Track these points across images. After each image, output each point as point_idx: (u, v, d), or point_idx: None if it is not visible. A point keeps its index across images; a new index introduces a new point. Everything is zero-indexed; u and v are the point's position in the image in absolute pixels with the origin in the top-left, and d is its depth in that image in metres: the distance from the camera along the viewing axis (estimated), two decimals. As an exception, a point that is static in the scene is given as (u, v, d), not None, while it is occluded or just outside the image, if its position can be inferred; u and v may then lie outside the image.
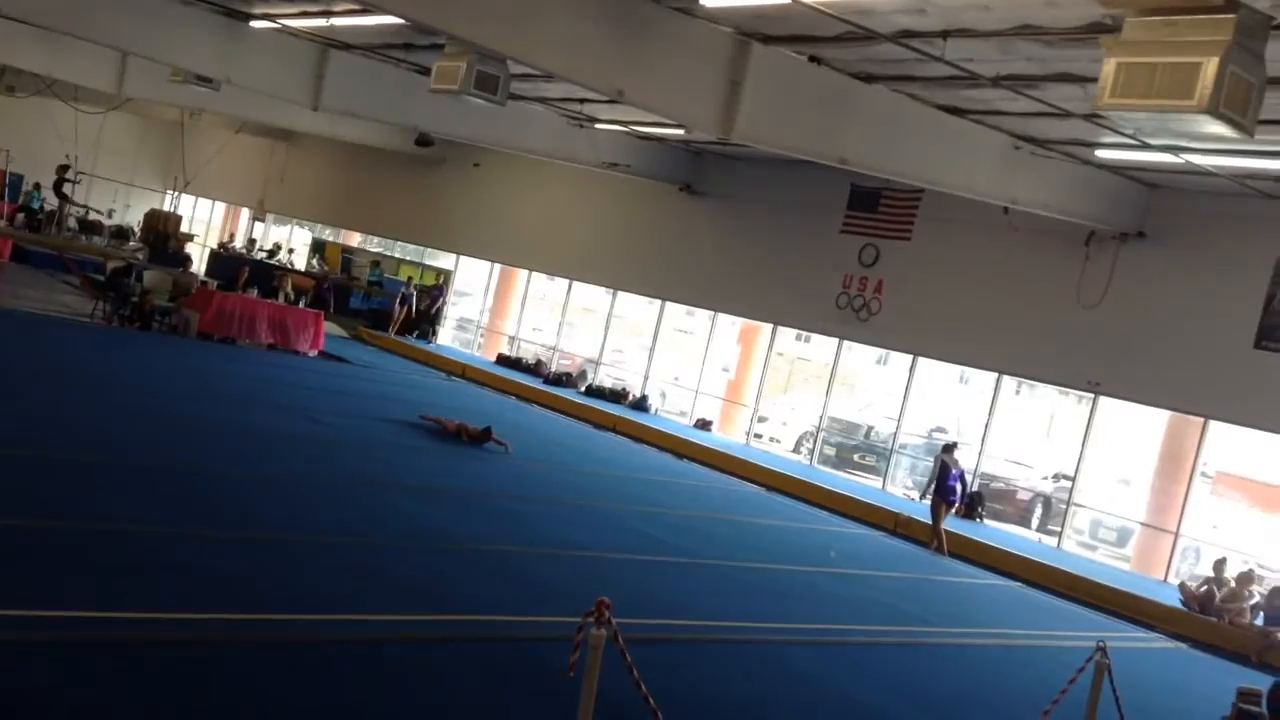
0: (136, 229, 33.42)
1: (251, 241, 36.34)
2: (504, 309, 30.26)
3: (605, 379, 26.06)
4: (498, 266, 30.09)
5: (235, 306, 21.69)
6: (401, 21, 14.89)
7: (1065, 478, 19.34)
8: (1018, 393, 21.91)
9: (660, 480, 17.25)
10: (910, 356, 20.58)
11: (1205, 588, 14.52)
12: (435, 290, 29.84)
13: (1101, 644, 7.71)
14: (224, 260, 31.78)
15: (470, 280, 31.84)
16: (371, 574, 8.88)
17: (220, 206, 41.85)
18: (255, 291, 22.55)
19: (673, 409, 25.30)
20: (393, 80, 20.78)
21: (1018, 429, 23.50)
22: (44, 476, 9.61)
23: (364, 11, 15.95)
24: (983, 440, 19.37)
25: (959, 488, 16.17)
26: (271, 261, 31.83)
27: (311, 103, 20.59)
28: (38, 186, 29.60)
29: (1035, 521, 20.97)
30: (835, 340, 21.89)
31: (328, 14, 17.30)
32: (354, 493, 11.74)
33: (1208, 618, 14.13)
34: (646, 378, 25.23)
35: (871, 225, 21.03)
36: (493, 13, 11.75)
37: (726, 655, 8.90)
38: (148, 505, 9.47)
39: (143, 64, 22.79)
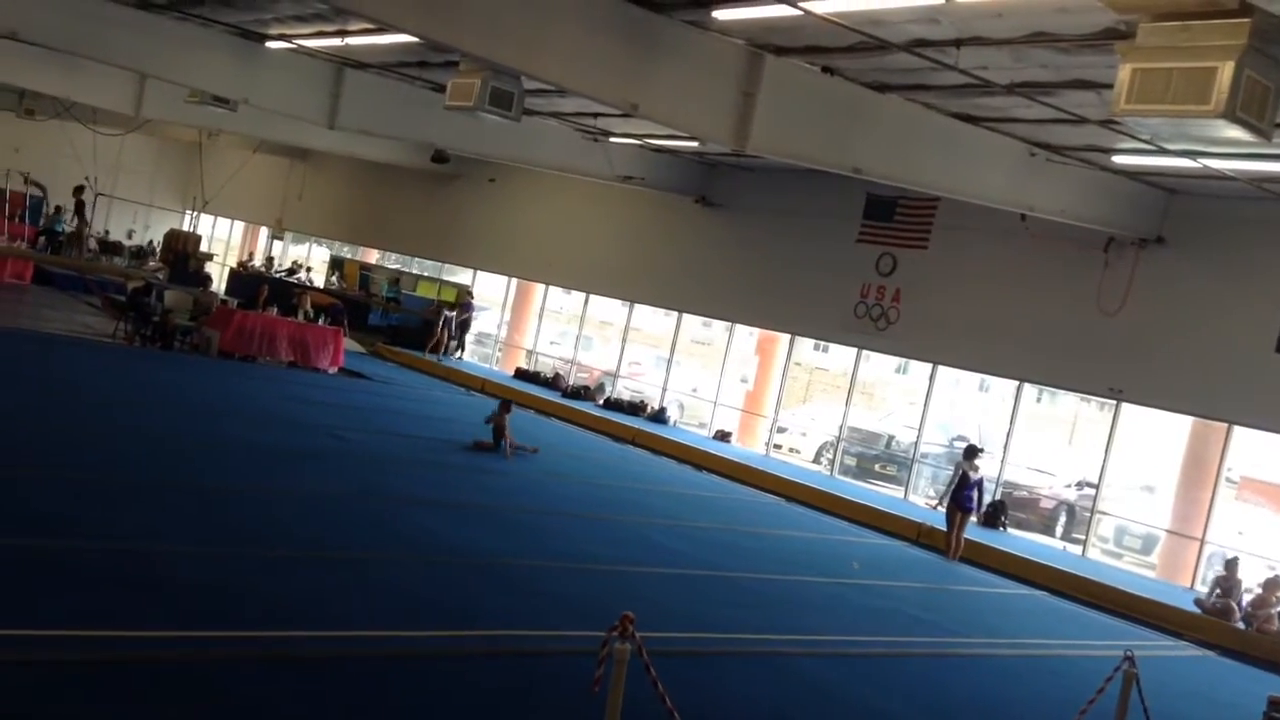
0: (156, 248, 33.69)
1: (270, 260, 36.60)
2: (521, 323, 30.32)
3: (623, 392, 26.08)
4: (515, 281, 30.18)
5: (255, 325, 21.82)
6: (416, 40, 14.98)
7: (1089, 485, 19.22)
8: (1039, 400, 21.82)
9: (681, 493, 17.24)
10: (930, 365, 20.54)
11: (1221, 601, 14.40)
12: (465, 303, 29.79)
13: (1129, 653, 7.66)
14: (243, 279, 32.02)
15: (488, 294, 31.93)
16: (394, 590, 8.91)
17: (239, 225, 42.19)
18: (275, 310, 22.70)
19: (691, 421, 25.27)
20: (408, 98, 20.91)
21: (1040, 436, 23.39)
22: (69, 496, 9.68)
23: (379, 30, 16.08)
24: (1005, 448, 19.27)
25: (976, 495, 16.00)
26: (291, 280, 32.02)
27: (328, 121, 20.73)
28: (59, 210, 29.85)
29: (1059, 530, 20.83)
30: (854, 350, 21.87)
31: (343, 33, 17.44)
32: (376, 508, 11.78)
33: (1235, 624, 14.01)
34: (665, 390, 25.23)
35: (888, 234, 21.00)
36: (507, 29, 11.80)
37: (751, 668, 8.87)
38: (173, 524, 9.52)
39: (161, 86, 23.01)
